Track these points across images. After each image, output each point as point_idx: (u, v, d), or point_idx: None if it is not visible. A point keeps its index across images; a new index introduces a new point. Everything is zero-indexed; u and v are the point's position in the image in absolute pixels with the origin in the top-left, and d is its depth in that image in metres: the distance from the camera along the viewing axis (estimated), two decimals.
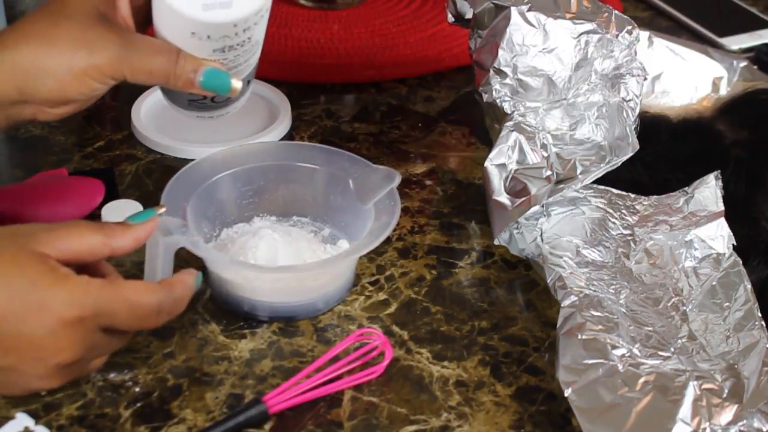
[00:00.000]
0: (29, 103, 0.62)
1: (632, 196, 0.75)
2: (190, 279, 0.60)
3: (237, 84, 0.64)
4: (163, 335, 0.66)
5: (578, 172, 0.73)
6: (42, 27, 0.60)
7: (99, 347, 0.58)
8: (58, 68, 0.60)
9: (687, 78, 0.91)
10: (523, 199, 0.71)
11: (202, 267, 0.70)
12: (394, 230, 0.73)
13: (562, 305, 0.65)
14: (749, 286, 0.67)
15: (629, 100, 0.77)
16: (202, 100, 0.67)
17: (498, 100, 0.76)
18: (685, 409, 0.57)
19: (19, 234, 0.56)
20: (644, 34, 0.89)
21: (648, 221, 0.73)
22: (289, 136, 0.88)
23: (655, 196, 0.75)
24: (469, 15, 0.80)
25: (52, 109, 0.63)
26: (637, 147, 0.75)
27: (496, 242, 0.73)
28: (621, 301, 0.66)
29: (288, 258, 0.69)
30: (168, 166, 0.82)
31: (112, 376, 0.63)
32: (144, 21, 0.64)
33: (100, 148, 0.84)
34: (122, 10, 0.62)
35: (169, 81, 0.62)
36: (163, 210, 0.62)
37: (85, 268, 0.58)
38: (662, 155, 0.82)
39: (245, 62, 0.66)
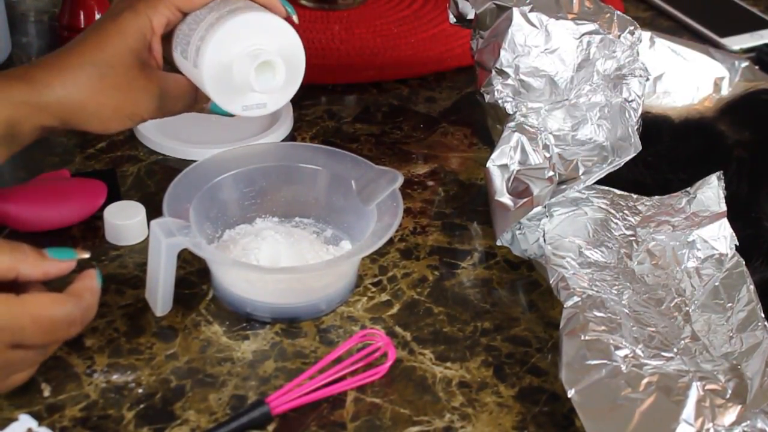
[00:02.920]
0: (66, 129, 0.66)
1: (634, 196, 0.75)
2: (94, 283, 0.59)
3: None
4: (166, 336, 0.66)
5: (580, 172, 0.73)
6: (88, 75, 0.64)
7: (12, 364, 0.57)
8: (104, 113, 0.65)
9: (689, 78, 0.91)
10: (525, 199, 0.71)
11: (205, 268, 0.71)
12: (397, 231, 0.73)
13: (564, 306, 0.65)
14: (752, 287, 0.67)
15: (631, 101, 0.77)
16: None
17: (500, 101, 0.76)
18: (689, 410, 0.58)
19: None
20: (646, 35, 0.89)
21: (650, 222, 0.73)
22: (290, 137, 0.88)
23: (657, 197, 0.75)
24: (470, 15, 0.80)
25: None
26: (640, 147, 0.75)
27: (498, 243, 0.73)
28: (624, 302, 0.66)
29: (290, 259, 0.69)
30: (170, 168, 0.82)
31: (115, 377, 0.63)
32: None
33: (102, 150, 0.84)
34: (155, 51, 0.67)
35: (187, 111, 0.70)
36: (85, 256, 0.60)
37: None
38: (664, 156, 0.82)
39: None
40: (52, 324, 0.56)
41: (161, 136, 0.84)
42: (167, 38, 0.68)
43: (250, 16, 0.65)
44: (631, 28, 0.77)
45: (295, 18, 0.69)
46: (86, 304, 0.58)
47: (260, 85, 0.64)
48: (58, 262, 0.59)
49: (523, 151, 0.74)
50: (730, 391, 0.59)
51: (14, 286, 0.57)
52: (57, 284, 0.59)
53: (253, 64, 0.64)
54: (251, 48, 0.64)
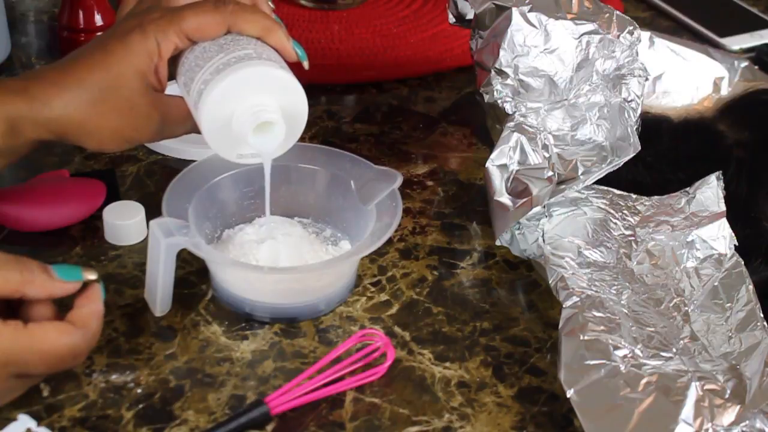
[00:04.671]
0: (61, 142, 0.65)
1: (634, 196, 0.75)
2: (100, 305, 0.58)
3: None
4: (165, 336, 0.66)
5: (580, 172, 0.73)
6: (90, 96, 0.63)
7: (13, 390, 0.57)
8: (102, 134, 0.64)
9: (688, 78, 0.91)
10: (524, 199, 0.71)
11: (204, 268, 0.71)
12: (396, 231, 0.73)
13: (563, 306, 0.65)
14: (751, 287, 0.67)
15: (631, 101, 0.77)
16: None
17: (499, 101, 0.76)
18: (688, 410, 0.57)
19: None
20: (645, 35, 0.89)
21: (649, 222, 0.73)
22: None
23: (656, 197, 0.75)
24: (470, 15, 0.80)
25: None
26: (639, 147, 0.75)
27: (497, 243, 0.73)
28: (623, 302, 0.66)
29: (290, 259, 0.69)
30: (169, 168, 0.82)
31: (114, 377, 0.63)
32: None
33: None
34: (161, 75, 0.65)
35: (187, 134, 0.68)
36: (92, 277, 0.59)
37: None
38: (664, 156, 0.82)
39: None
40: (59, 357, 0.56)
41: None
42: (173, 58, 0.66)
43: (256, 70, 0.62)
44: (631, 28, 0.77)
45: (305, 64, 0.67)
46: (92, 333, 0.57)
47: (258, 143, 0.63)
48: (64, 283, 0.58)
49: (523, 151, 0.74)
50: (729, 391, 0.59)
51: (19, 301, 0.57)
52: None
53: (253, 123, 0.62)
54: (253, 105, 0.63)
